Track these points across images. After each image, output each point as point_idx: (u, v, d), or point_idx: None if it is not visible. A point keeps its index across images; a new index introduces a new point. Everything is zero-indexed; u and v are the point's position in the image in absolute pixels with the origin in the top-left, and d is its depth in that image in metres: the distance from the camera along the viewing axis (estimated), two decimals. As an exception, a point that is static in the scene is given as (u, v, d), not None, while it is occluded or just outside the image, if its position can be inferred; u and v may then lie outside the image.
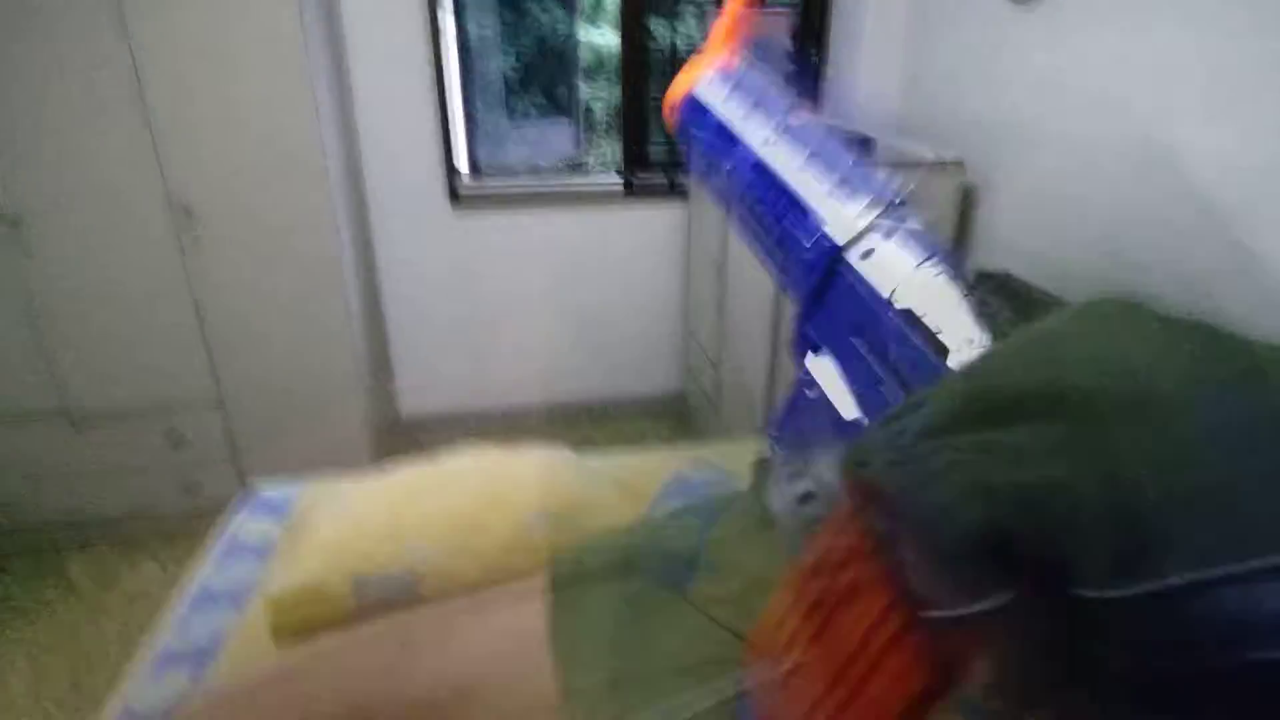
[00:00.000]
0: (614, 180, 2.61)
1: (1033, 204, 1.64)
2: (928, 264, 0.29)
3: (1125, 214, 1.37)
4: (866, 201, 0.30)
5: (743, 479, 1.30)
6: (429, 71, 2.27)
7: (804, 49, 2.41)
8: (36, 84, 1.72)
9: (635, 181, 2.56)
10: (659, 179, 2.58)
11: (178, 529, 2.17)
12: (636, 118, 2.55)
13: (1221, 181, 1.19)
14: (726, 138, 0.37)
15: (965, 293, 0.29)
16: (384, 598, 1.13)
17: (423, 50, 2.25)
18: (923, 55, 2.07)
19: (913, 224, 0.31)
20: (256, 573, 1.26)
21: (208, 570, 1.27)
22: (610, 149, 3.02)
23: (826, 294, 0.31)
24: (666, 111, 0.45)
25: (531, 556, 1.23)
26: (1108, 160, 1.41)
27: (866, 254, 0.29)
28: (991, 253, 1.78)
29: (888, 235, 0.30)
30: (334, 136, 2.02)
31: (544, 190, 2.57)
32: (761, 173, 0.34)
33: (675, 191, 2.57)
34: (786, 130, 0.34)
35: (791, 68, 2.18)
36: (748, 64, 0.40)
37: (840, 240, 0.30)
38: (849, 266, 0.29)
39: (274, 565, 1.23)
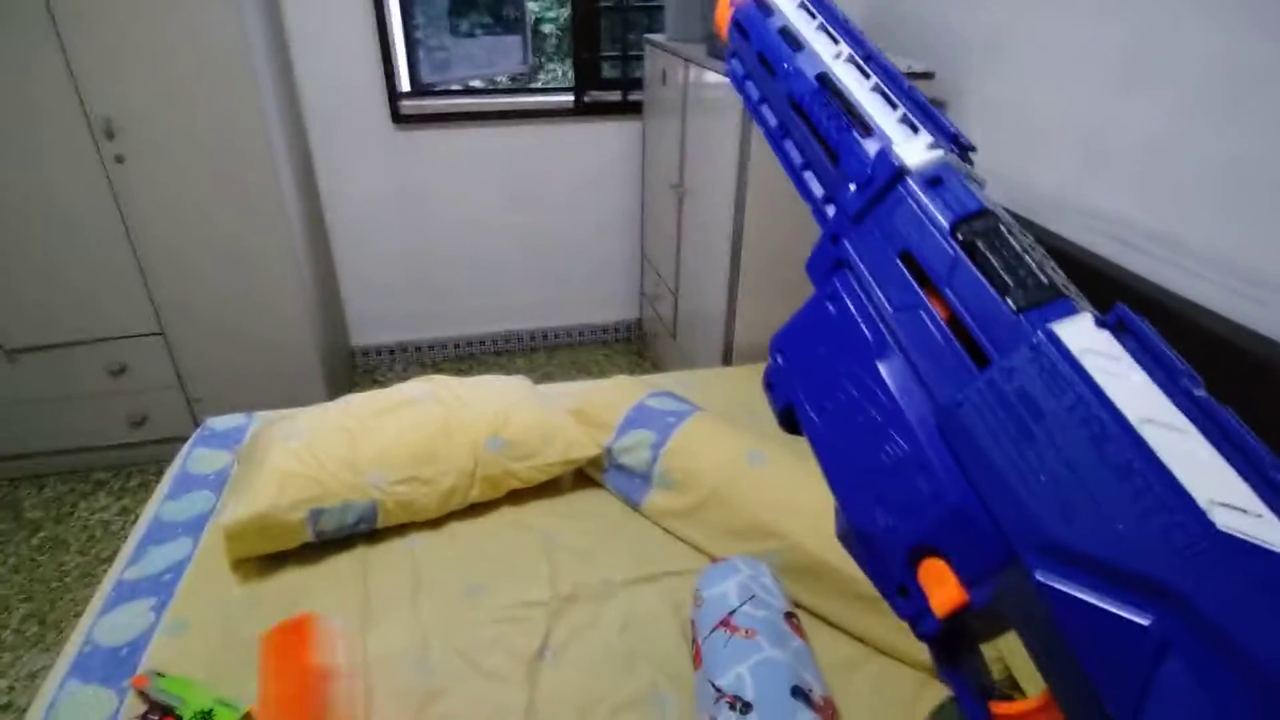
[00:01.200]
0: (564, 96, 2.51)
1: (1001, 117, 1.61)
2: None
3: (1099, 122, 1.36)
4: (934, 138, 0.31)
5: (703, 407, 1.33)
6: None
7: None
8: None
9: (586, 97, 2.47)
10: (612, 95, 2.48)
11: (130, 460, 2.14)
12: (588, 29, 2.43)
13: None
14: (791, 43, 0.37)
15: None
16: (341, 526, 1.16)
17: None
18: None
19: (973, 173, 0.32)
20: (211, 503, 1.27)
21: (163, 502, 1.27)
22: (562, 71, 2.87)
23: (877, 211, 0.31)
24: (720, 12, 0.45)
25: (489, 485, 1.26)
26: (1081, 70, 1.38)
27: (933, 181, 0.29)
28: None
29: (954, 171, 0.31)
30: (261, 46, 1.87)
31: (491, 108, 2.46)
32: (827, 84, 0.35)
33: (629, 107, 2.48)
34: (853, 56, 0.35)
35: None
36: None
37: (909, 162, 0.30)
38: (911, 189, 0.30)
39: (228, 496, 1.24)
